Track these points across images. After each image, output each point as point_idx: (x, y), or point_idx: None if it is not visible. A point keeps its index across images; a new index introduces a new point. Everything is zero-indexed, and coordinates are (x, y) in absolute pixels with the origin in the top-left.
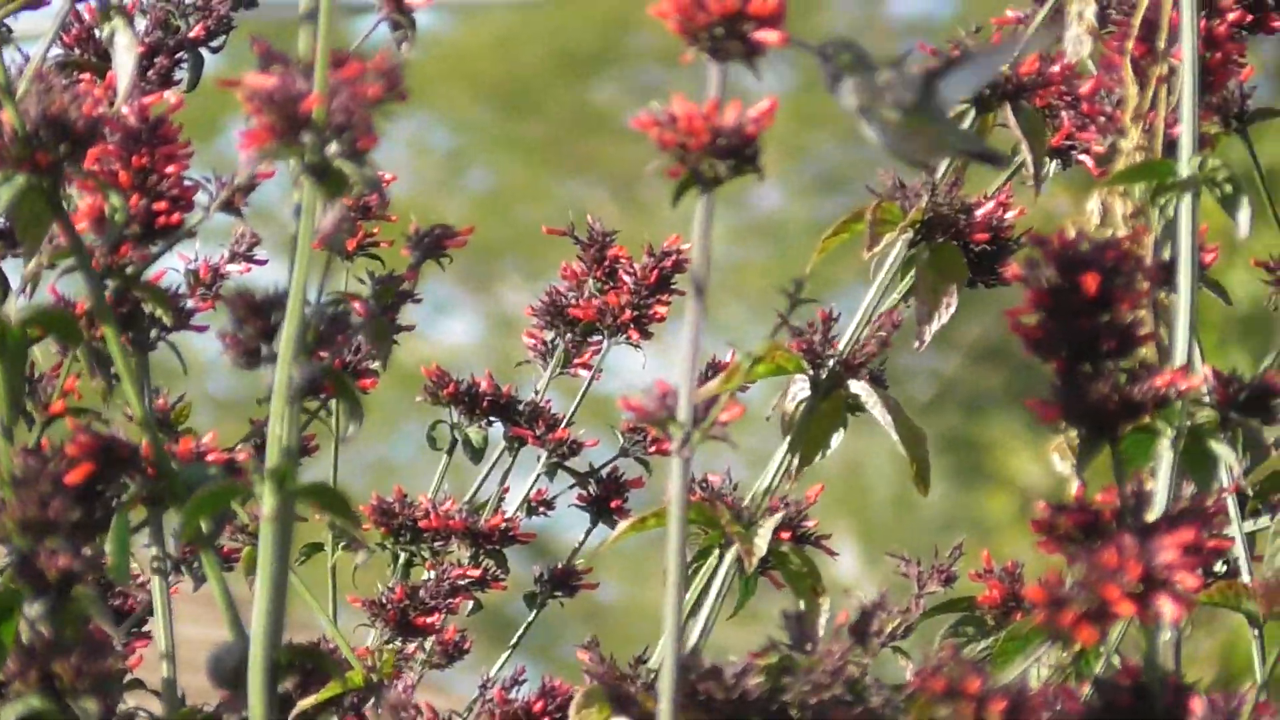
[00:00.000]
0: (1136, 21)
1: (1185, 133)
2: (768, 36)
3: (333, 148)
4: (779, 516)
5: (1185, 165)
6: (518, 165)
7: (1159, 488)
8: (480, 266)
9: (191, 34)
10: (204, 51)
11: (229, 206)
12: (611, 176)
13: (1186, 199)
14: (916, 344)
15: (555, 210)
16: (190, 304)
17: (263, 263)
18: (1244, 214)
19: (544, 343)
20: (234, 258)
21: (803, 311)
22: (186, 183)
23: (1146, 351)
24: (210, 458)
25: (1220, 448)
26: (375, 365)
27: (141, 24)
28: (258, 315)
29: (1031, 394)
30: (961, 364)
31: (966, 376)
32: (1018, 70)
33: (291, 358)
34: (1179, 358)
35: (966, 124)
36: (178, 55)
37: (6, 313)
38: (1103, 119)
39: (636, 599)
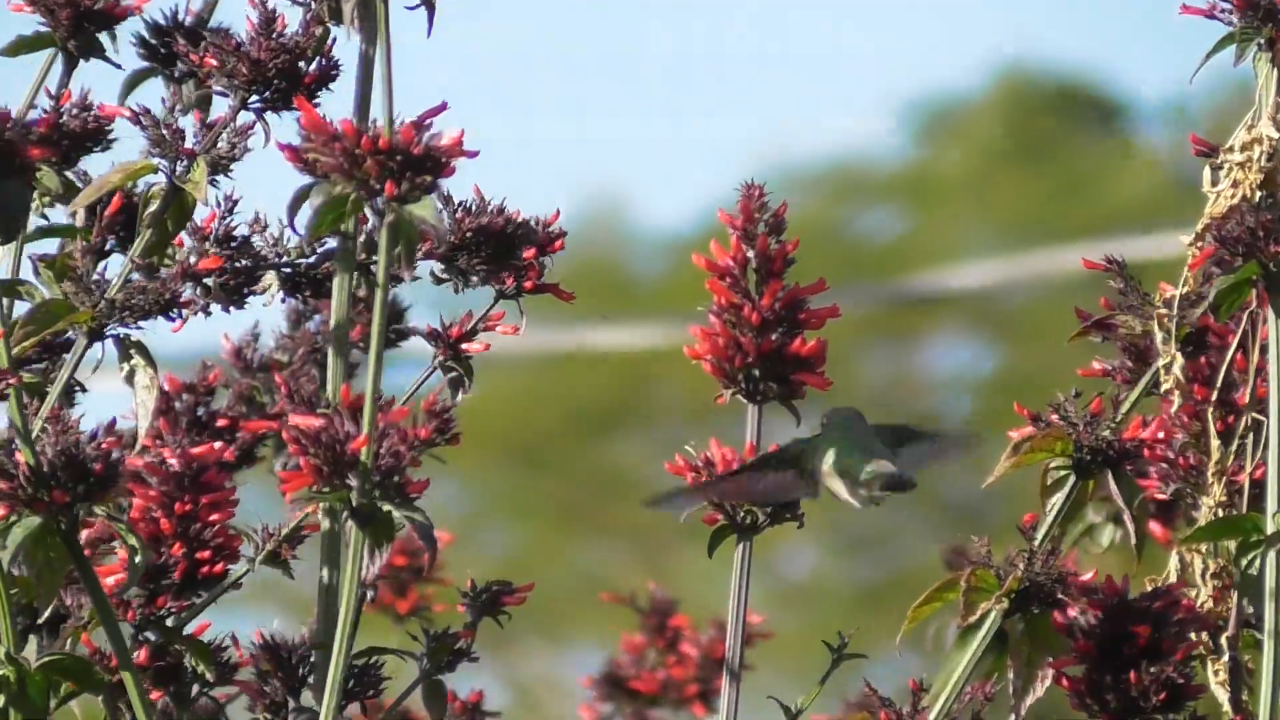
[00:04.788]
0: (1221, 372)
1: (1272, 488)
2: (809, 379)
3: (380, 492)
4: None
5: (1272, 521)
6: (535, 526)
7: None
8: (494, 629)
9: (275, 409)
10: None
11: (275, 559)
12: (631, 537)
13: (1272, 555)
14: (1011, 718)
15: (575, 573)
16: (234, 658)
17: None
18: None
19: (600, 716)
20: None
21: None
22: (231, 532)
23: (1226, 712)
24: None
25: None
26: None
27: (224, 399)
28: (285, 669)
29: None
30: None
31: None
32: (1120, 436)
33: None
34: (1264, 718)
35: (1065, 490)
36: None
37: (26, 657)
38: (1164, 465)
39: None
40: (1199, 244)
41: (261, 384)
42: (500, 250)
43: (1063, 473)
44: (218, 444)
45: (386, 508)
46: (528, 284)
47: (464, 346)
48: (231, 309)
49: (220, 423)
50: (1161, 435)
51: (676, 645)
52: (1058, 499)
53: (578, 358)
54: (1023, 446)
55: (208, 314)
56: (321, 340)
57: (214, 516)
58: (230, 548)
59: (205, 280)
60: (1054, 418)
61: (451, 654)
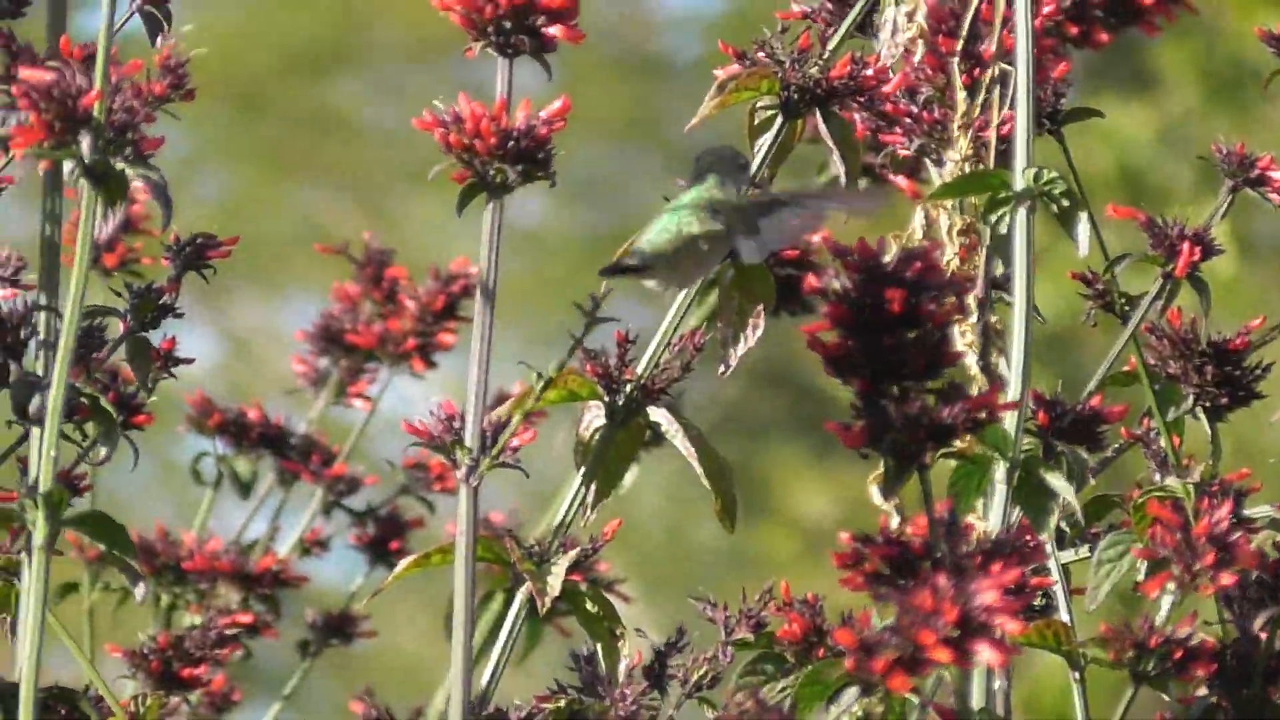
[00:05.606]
0: (966, 22)
1: (1020, 142)
2: (560, 31)
3: (113, 149)
4: (573, 554)
5: (1021, 177)
6: (251, 170)
7: (992, 522)
8: (209, 279)
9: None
10: None
11: None
12: (353, 182)
13: (1021, 213)
14: (721, 369)
15: (293, 219)
16: None
17: (30, 288)
18: (1082, 230)
19: (316, 370)
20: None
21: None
22: None
23: (975, 376)
24: None
25: (1055, 480)
26: (143, 396)
27: None
28: (3, 332)
29: (817, 421)
30: (740, 388)
31: (746, 402)
32: (828, 74)
33: (67, 374)
34: (1015, 383)
35: (773, 132)
36: None
37: None
38: (909, 120)
39: (388, 646)
40: None
41: None
42: None
43: (770, 113)
44: None
45: (120, 165)
46: None
47: None
48: None
49: None
50: (904, 88)
51: (394, 297)
52: (765, 140)
53: None
54: (728, 86)
55: None
56: None
57: None
58: None
59: None
60: (760, 55)
61: (156, 310)
